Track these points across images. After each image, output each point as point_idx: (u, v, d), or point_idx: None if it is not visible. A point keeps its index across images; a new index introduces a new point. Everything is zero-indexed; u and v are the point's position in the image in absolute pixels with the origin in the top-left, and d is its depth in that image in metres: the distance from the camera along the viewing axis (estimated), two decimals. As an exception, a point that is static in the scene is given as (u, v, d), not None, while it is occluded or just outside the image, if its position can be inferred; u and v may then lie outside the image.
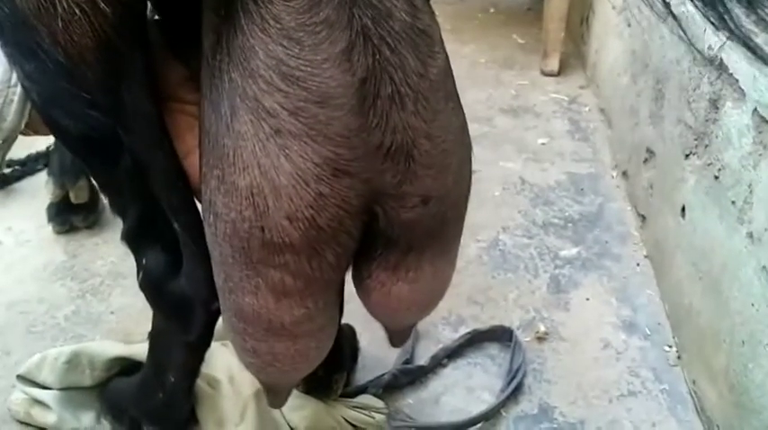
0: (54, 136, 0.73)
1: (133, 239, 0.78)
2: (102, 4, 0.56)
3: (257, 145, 0.56)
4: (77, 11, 0.56)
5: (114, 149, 0.70)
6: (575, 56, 2.63)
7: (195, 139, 0.69)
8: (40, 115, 0.72)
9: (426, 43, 0.58)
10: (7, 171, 1.81)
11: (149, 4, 0.67)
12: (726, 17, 0.57)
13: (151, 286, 0.79)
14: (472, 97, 2.33)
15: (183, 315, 0.80)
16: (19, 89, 0.73)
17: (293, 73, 0.53)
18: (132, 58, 0.63)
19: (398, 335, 0.95)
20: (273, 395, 0.85)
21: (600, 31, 2.31)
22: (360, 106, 0.55)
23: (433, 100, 0.59)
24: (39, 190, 1.73)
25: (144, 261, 0.78)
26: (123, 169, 0.72)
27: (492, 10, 3.11)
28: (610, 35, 2.15)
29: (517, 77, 2.51)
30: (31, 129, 0.79)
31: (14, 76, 0.73)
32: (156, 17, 0.72)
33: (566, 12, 2.42)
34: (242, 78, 0.55)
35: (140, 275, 0.79)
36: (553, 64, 2.51)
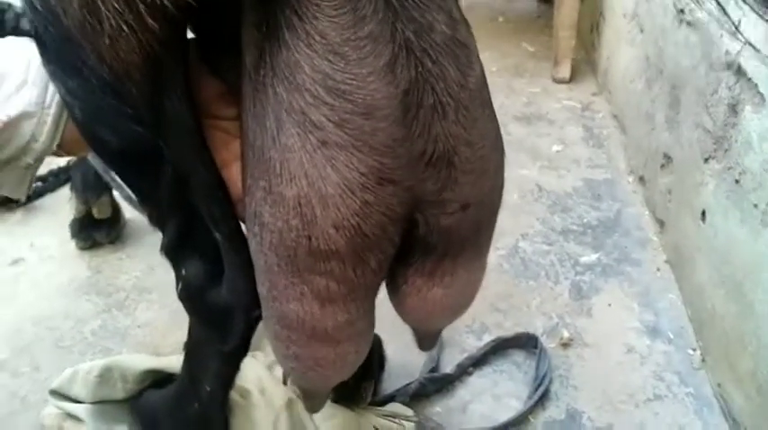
0: (95, 151, 0.75)
1: (173, 251, 0.79)
2: (150, 21, 0.57)
3: (304, 156, 0.57)
4: (125, 28, 0.57)
5: (154, 162, 0.71)
6: (585, 63, 2.64)
7: (229, 154, 0.71)
8: (81, 131, 0.73)
9: (465, 54, 0.60)
10: (30, 187, 1.83)
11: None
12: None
13: (192, 296, 0.80)
14: (485, 106, 2.34)
15: (223, 323, 0.81)
16: (53, 111, 0.74)
17: (339, 86, 0.55)
18: (176, 72, 0.64)
19: (428, 339, 0.96)
20: (311, 399, 0.86)
21: (611, 37, 2.33)
22: (403, 117, 0.57)
23: (472, 108, 0.61)
24: (60, 206, 1.75)
25: (184, 272, 0.79)
26: (163, 181, 0.73)
27: (501, 18, 3.13)
28: (621, 42, 2.17)
29: (529, 85, 2.52)
30: (63, 151, 0.80)
31: (48, 98, 0.74)
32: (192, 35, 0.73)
33: (576, 19, 2.44)
34: (287, 92, 0.57)
35: (180, 286, 0.81)
36: (564, 71, 2.52)
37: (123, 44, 0.59)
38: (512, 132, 2.20)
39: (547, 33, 2.78)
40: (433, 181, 0.62)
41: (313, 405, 0.86)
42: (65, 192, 1.72)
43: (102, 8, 0.56)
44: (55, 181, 1.88)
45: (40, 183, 1.87)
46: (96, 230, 1.67)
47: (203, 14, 0.68)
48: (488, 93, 0.65)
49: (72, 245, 1.69)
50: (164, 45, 0.60)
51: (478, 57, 0.63)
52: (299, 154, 0.58)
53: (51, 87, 0.72)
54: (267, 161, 0.61)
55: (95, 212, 1.62)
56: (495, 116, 0.67)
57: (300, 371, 0.74)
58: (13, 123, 0.71)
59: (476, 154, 0.63)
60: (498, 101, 2.39)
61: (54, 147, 0.75)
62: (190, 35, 0.73)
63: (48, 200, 1.87)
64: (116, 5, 0.55)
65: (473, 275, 0.76)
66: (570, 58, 2.52)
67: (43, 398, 1.22)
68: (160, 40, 0.59)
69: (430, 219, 0.65)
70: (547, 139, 2.17)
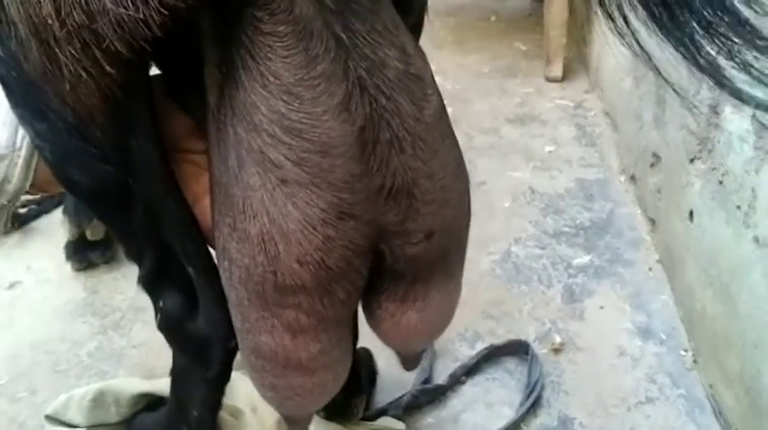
0: (68, 190, 0.76)
1: (150, 284, 0.80)
2: (107, 66, 0.57)
3: (265, 194, 0.58)
4: (83, 73, 0.58)
5: (126, 200, 0.72)
6: (577, 60, 2.64)
7: (201, 187, 0.72)
8: (53, 172, 0.74)
9: (420, 87, 0.60)
10: (23, 210, 1.85)
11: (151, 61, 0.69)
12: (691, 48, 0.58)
13: (170, 328, 0.81)
14: (478, 108, 2.35)
15: (203, 353, 0.82)
16: (24, 153, 0.75)
17: (295, 126, 0.56)
18: (138, 113, 0.65)
19: (410, 359, 0.97)
20: (294, 424, 0.87)
21: (601, 34, 2.32)
22: (360, 153, 0.58)
23: (429, 140, 0.61)
24: (55, 228, 1.76)
25: (161, 304, 0.80)
26: (136, 218, 0.74)
27: (493, 18, 3.13)
28: (611, 38, 2.16)
29: (521, 85, 2.52)
30: (37, 189, 0.81)
31: (19, 139, 0.75)
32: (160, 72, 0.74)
33: (566, 17, 2.43)
34: (246, 132, 0.57)
35: (158, 318, 0.82)
36: (556, 70, 2.52)
37: (83, 89, 0.59)
38: (504, 134, 2.20)
39: (539, 32, 2.77)
40: (395, 213, 0.62)
41: (296, 429, 0.87)
42: (59, 214, 1.73)
43: (60, 55, 0.56)
44: (49, 203, 1.89)
45: (35, 206, 1.88)
46: (91, 251, 1.68)
47: (166, 55, 0.69)
48: (448, 123, 0.66)
49: (68, 266, 1.70)
50: (123, 88, 0.60)
51: (436, 88, 0.64)
52: (260, 192, 0.59)
53: (21, 130, 0.73)
54: (231, 198, 0.61)
55: (89, 234, 1.63)
56: (456, 144, 0.68)
57: (278, 400, 0.74)
58: None
59: (436, 185, 0.63)
60: (491, 103, 2.40)
61: (27, 186, 0.76)
62: (157, 71, 0.74)
63: (43, 222, 1.88)
64: (73, 52, 0.56)
65: (446, 297, 0.76)
66: (562, 57, 2.51)
67: (40, 423, 1.23)
68: (119, 84, 0.60)
69: (395, 250, 0.66)
70: (540, 140, 2.17)
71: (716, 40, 0.53)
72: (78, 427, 1.16)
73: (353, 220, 0.60)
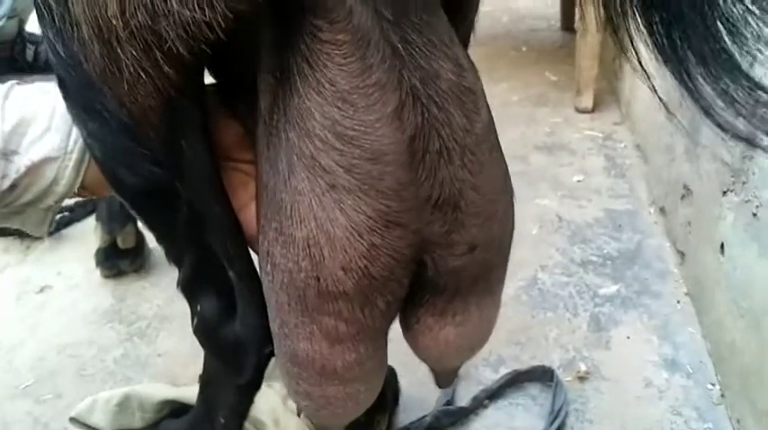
0: (114, 190, 0.77)
1: (189, 287, 0.81)
2: (166, 67, 0.59)
3: (314, 199, 0.59)
4: (142, 74, 0.59)
5: (172, 202, 0.73)
6: (608, 92, 2.64)
7: (247, 195, 0.73)
8: (102, 170, 0.75)
9: (471, 100, 0.61)
10: (57, 217, 1.87)
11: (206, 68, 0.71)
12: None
13: (206, 331, 0.82)
14: (506, 136, 2.33)
15: (237, 358, 0.82)
16: (75, 156, 0.77)
17: (347, 132, 0.56)
18: (193, 116, 0.67)
19: (445, 376, 0.97)
20: (325, 436, 0.87)
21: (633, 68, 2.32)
22: (410, 161, 0.58)
23: (478, 153, 0.62)
24: (87, 235, 1.79)
25: (199, 307, 0.81)
26: (180, 220, 0.75)
27: (524, 48, 3.15)
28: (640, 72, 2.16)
29: (551, 115, 2.53)
30: (86, 192, 0.83)
31: (71, 143, 0.77)
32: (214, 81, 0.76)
33: (598, 49, 2.44)
34: (298, 138, 0.58)
35: (195, 321, 0.82)
36: (587, 101, 2.53)
37: (141, 89, 0.61)
38: (533, 162, 2.21)
39: (570, 63, 2.77)
40: (440, 224, 0.63)
41: (326, 442, 0.87)
42: (92, 222, 1.75)
43: (122, 56, 0.58)
44: (82, 211, 1.92)
45: (67, 213, 1.91)
46: (121, 259, 1.70)
47: (221, 61, 0.71)
48: (496, 137, 0.67)
49: (97, 273, 1.72)
50: (180, 90, 0.62)
51: (486, 102, 0.65)
52: (309, 197, 0.59)
53: (74, 133, 0.75)
54: (279, 203, 0.62)
55: (120, 242, 1.66)
56: (503, 159, 0.68)
57: (312, 408, 0.75)
58: (37, 167, 0.74)
59: (482, 198, 0.64)
60: (520, 131, 2.41)
61: (75, 189, 0.78)
62: (212, 80, 0.76)
63: (75, 229, 1.92)
64: (134, 53, 0.57)
65: (485, 314, 0.77)
66: (593, 88, 2.52)
67: (64, 426, 1.24)
68: (176, 86, 0.61)
69: (438, 261, 0.66)
70: (568, 169, 2.17)
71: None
72: (103, 431, 1.17)
73: (399, 229, 0.60)
